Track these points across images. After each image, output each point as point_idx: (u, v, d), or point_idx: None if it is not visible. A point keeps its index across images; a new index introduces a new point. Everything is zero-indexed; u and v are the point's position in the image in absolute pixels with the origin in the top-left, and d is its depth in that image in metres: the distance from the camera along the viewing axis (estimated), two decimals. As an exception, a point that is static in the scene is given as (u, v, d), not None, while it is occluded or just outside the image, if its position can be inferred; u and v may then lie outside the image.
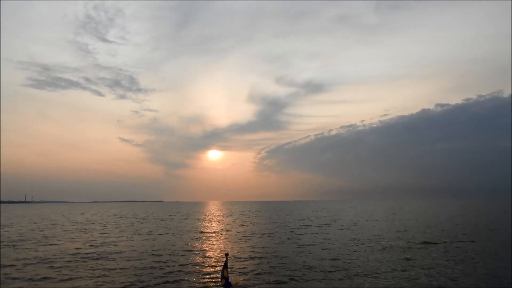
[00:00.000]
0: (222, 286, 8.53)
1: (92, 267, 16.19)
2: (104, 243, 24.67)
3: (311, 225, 38.33)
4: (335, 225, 38.79)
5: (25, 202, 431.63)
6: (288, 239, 26.30)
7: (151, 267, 16.03)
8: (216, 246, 23.41)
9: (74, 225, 43.08)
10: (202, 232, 32.37)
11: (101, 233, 31.72)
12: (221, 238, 27.83)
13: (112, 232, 32.79)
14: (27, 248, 22.24)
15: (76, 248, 22.09)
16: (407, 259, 17.47)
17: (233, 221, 47.36)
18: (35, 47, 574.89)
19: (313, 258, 18.04)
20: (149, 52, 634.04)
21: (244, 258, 18.33)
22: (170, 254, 19.62)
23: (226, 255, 9.42)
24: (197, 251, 21.16)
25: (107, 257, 18.90)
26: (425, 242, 23.46)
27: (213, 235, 30.07)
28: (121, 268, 15.82)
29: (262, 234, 30.12)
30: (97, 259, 18.29)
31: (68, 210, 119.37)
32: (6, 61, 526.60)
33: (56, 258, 18.58)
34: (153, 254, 19.58)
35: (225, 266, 8.64)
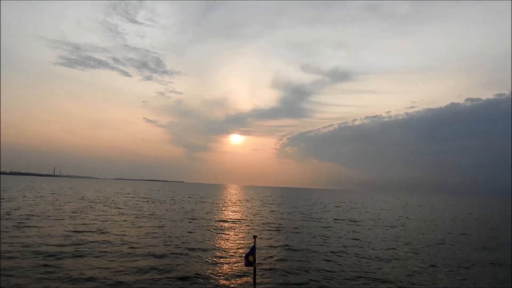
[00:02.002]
0: (246, 265, 7.57)
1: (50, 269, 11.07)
2: (90, 230, 19.77)
3: (345, 219, 32.36)
4: (370, 221, 32.58)
5: (53, 175, 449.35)
6: (325, 239, 20.47)
7: (139, 270, 10.74)
8: (235, 237, 18.04)
9: (79, 202, 39.09)
10: (219, 220, 27.15)
11: (98, 215, 27.04)
12: (241, 228, 22.43)
13: (113, 214, 28.17)
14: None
15: (39, 237, 17.22)
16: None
17: (254, 208, 42.05)
18: (67, 27, 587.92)
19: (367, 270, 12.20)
20: (176, 35, 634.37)
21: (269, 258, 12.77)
22: (177, 247, 14.38)
23: (255, 237, 8.34)
24: (211, 243, 15.81)
25: (77, 252, 13.78)
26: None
27: (232, 224, 24.75)
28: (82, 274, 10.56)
29: (288, 227, 24.47)
30: (62, 256, 13.19)
31: (88, 185, 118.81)
32: (39, 39, 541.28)
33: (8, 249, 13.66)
34: (154, 247, 14.38)
35: (253, 249, 7.59)
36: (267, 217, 31.27)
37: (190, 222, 25.14)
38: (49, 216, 24.59)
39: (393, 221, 33.13)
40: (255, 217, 31.39)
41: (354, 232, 23.60)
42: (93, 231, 18.62)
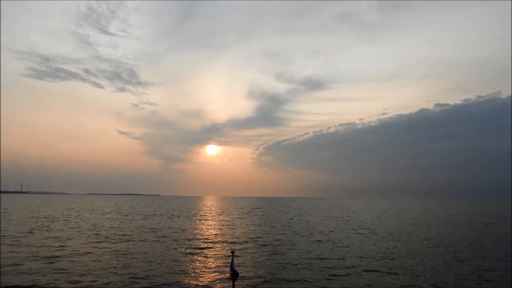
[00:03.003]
0: (231, 279, 7.36)
1: None
2: (24, 262, 15.99)
3: (333, 230, 29.68)
4: (363, 231, 30.09)
5: (21, 192, 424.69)
6: (316, 259, 17.59)
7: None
8: (209, 262, 14.78)
9: (33, 222, 34.37)
10: (193, 239, 23.69)
11: (49, 238, 22.95)
12: (217, 249, 19.15)
13: (68, 237, 24.16)
14: None
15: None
16: None
17: (232, 222, 38.70)
18: (36, 37, 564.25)
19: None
20: (150, 45, 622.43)
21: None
22: (135, 284, 11.03)
23: (232, 253, 7.82)
24: (181, 272, 12.47)
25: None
26: None
27: (207, 243, 21.39)
28: None
29: (270, 245, 21.44)
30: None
31: (56, 201, 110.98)
32: (6, 50, 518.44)
33: None
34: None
35: (232, 264, 7.29)
36: (246, 233, 28.12)
37: (157, 242, 21.67)
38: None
39: (384, 229, 30.78)
40: (234, 231, 28.18)
41: (347, 247, 20.84)
42: (28, 264, 14.84)
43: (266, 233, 27.53)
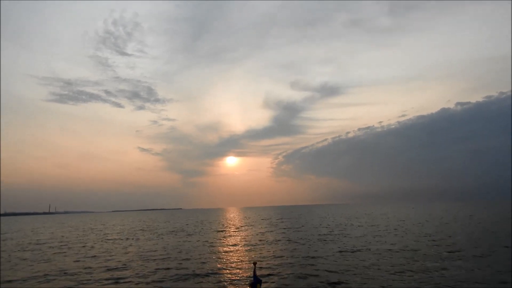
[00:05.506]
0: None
1: None
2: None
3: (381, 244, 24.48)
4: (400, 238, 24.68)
5: (49, 213, 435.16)
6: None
7: None
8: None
9: (31, 246, 30.86)
10: (215, 272, 19.20)
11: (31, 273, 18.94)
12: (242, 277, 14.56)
13: (60, 264, 20.17)
14: None
15: None
16: None
17: (257, 237, 33.89)
18: (58, 64, 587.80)
19: None
20: (166, 64, 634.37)
21: None
22: None
23: (255, 264, 7.86)
24: None
25: None
26: None
27: (228, 270, 16.85)
28: None
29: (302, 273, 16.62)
30: None
31: (77, 221, 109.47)
32: (30, 77, 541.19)
33: None
34: None
35: (254, 276, 7.29)
36: (274, 251, 23.28)
37: (164, 275, 17.22)
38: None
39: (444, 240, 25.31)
40: (261, 249, 23.42)
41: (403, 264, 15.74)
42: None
43: (296, 260, 22.63)
